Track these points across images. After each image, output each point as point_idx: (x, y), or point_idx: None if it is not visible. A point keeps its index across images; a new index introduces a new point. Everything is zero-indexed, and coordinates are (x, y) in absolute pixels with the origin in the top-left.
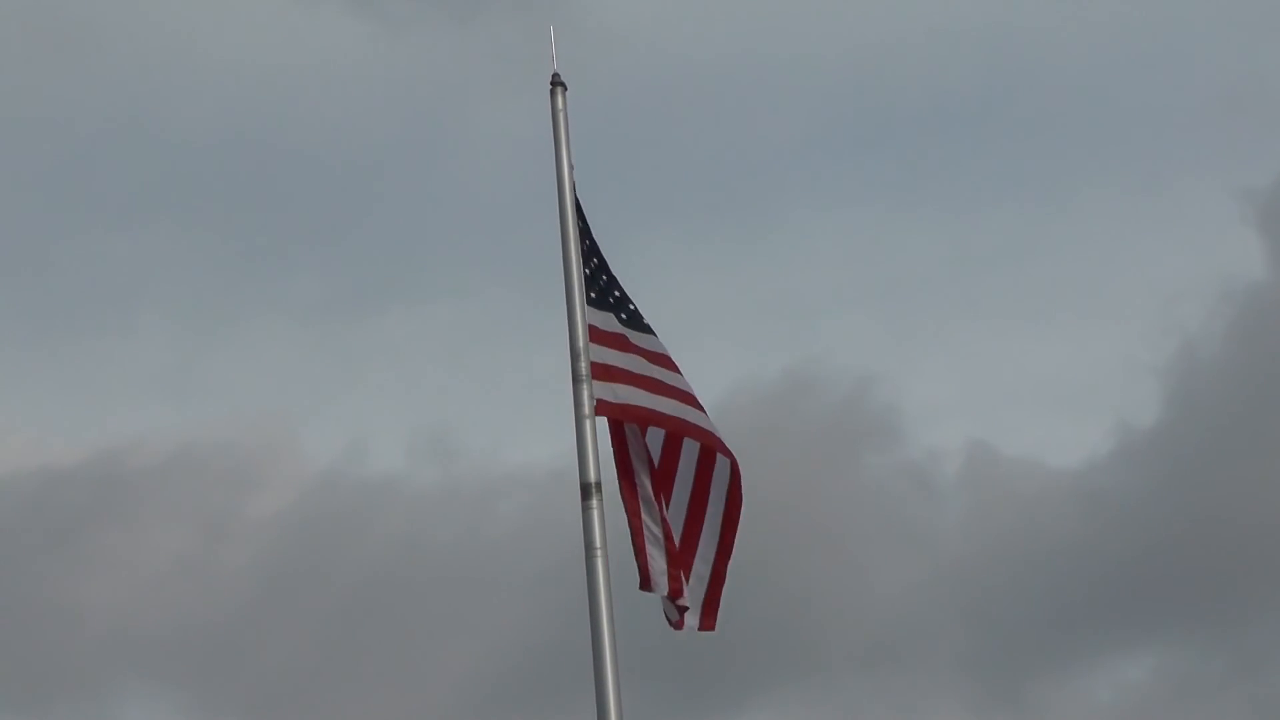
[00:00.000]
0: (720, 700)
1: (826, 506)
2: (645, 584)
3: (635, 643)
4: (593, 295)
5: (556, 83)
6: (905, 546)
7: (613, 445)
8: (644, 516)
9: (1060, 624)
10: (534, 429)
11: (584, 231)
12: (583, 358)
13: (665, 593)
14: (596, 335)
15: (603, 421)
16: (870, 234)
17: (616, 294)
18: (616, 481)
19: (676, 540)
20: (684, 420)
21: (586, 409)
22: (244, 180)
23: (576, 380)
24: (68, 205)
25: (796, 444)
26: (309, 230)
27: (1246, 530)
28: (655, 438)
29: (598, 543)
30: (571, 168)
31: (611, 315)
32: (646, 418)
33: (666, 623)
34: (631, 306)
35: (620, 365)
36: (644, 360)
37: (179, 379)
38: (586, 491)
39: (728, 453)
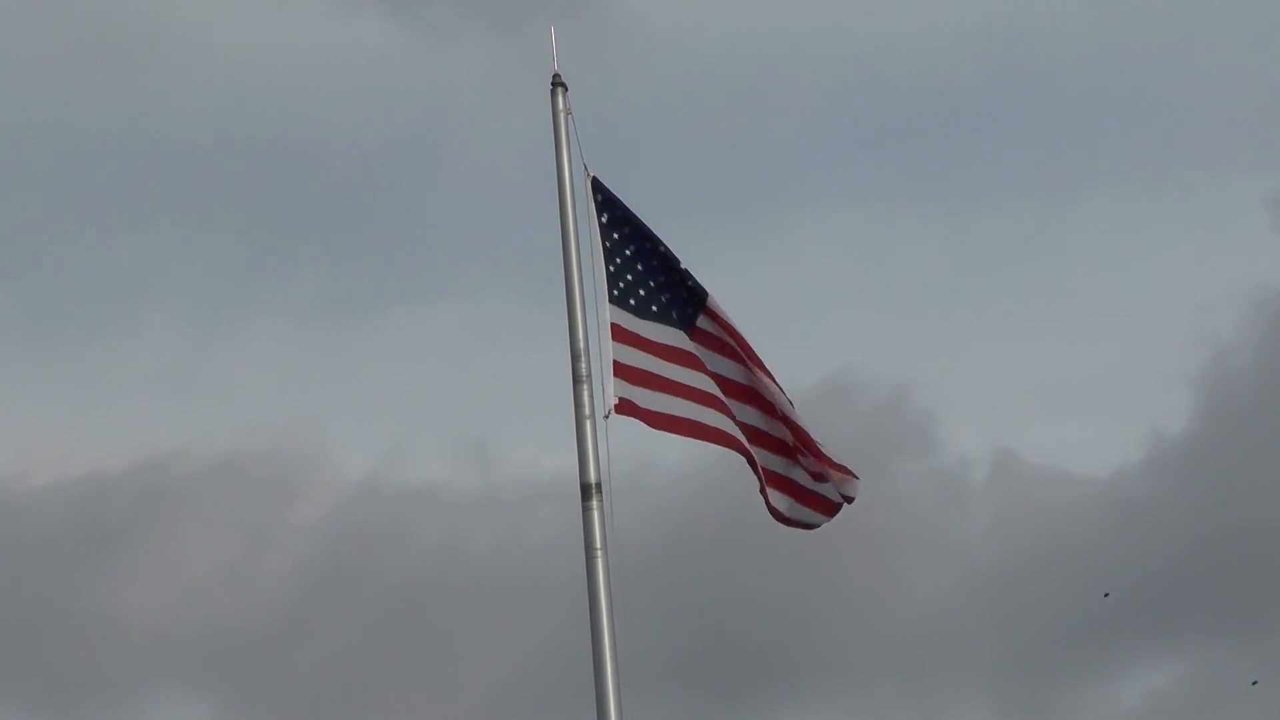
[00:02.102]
0: (753, 705)
1: (857, 514)
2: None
3: (671, 650)
4: (614, 293)
5: (557, 83)
6: (935, 554)
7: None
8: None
9: (1087, 631)
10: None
11: (608, 228)
12: (582, 358)
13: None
14: (619, 334)
15: (607, 422)
16: (880, 234)
17: (651, 285)
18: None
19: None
20: (706, 425)
21: (587, 409)
22: (253, 180)
23: (576, 381)
24: (72, 206)
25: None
26: (317, 230)
27: (1275, 540)
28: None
29: (598, 543)
30: (585, 169)
31: (635, 316)
32: (670, 425)
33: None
34: (664, 298)
35: (643, 367)
36: (665, 361)
37: (192, 380)
38: (586, 492)
39: (748, 455)
